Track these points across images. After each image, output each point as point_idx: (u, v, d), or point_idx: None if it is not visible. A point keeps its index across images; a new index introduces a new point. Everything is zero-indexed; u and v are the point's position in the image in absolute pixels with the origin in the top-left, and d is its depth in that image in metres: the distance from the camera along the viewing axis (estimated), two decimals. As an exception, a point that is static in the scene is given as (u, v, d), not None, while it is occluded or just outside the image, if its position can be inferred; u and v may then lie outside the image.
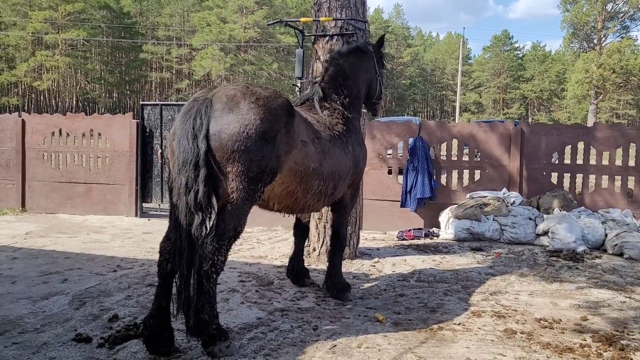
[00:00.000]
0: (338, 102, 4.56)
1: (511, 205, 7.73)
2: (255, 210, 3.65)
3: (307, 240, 5.55)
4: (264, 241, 7.45)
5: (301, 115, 3.91)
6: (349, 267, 5.89)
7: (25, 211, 10.03)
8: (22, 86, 56.54)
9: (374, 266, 6.02)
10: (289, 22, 6.12)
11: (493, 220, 7.56)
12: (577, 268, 6.03)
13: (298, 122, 3.70)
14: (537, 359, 3.41)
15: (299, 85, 6.09)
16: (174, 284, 3.29)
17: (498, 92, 75.00)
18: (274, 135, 3.36)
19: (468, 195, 8.10)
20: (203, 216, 3.14)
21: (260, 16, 53.08)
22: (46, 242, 7.18)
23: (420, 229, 8.02)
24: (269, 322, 4.01)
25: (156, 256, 3.42)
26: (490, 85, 75.13)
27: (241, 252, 6.62)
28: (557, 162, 8.28)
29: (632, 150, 7.84)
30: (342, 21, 5.90)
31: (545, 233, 7.22)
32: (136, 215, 9.61)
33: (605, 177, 8.01)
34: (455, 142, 8.49)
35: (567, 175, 8.11)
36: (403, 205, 8.16)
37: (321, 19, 5.93)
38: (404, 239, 7.69)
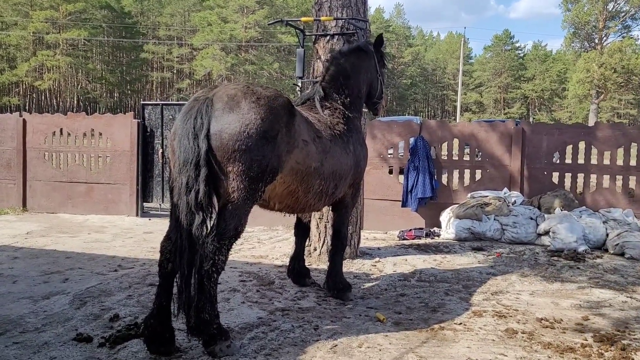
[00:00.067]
0: (339, 101, 4.56)
1: (512, 204, 7.72)
2: (256, 210, 3.65)
3: (308, 240, 5.53)
4: (265, 241, 7.45)
5: (302, 115, 3.91)
6: (350, 266, 5.89)
7: (26, 211, 10.04)
8: (23, 86, 56.58)
9: (375, 266, 6.02)
10: (290, 22, 6.12)
11: (494, 220, 7.55)
12: (578, 268, 6.02)
13: (299, 122, 3.70)
14: (539, 359, 3.41)
15: (299, 84, 6.09)
16: (175, 284, 3.29)
17: (499, 91, 74.96)
18: (275, 134, 3.36)
19: (469, 195, 8.09)
20: (204, 216, 3.15)
21: (261, 16, 53.07)
22: (47, 242, 7.19)
23: (421, 228, 8.01)
24: (269, 321, 4.01)
25: (157, 256, 3.42)
26: (492, 84, 75.09)
27: (242, 251, 6.62)
28: (558, 161, 8.27)
29: (634, 150, 7.83)
30: (343, 20, 5.89)
31: (547, 233, 7.21)
32: (137, 215, 9.61)
33: (606, 177, 7.99)
34: (456, 141, 8.49)
35: (568, 175, 8.10)
36: (404, 205, 8.15)
37: (322, 18, 5.93)
38: (405, 239, 7.68)
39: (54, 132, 10.05)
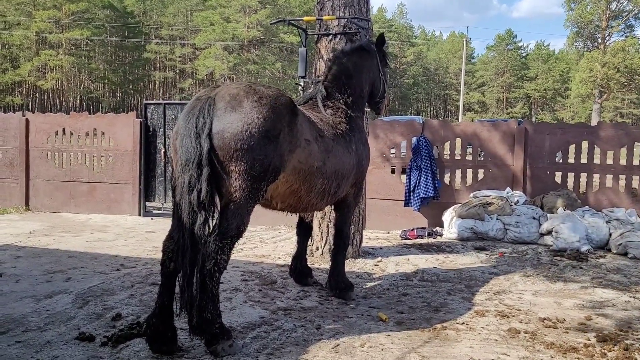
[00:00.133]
0: (341, 101, 4.56)
1: (515, 204, 7.71)
2: (258, 209, 3.65)
3: (310, 240, 5.54)
4: (267, 240, 7.45)
5: (304, 114, 3.90)
6: (352, 266, 5.88)
7: (29, 210, 10.06)
8: (26, 85, 56.71)
9: (377, 265, 6.01)
10: (292, 21, 6.11)
11: (497, 219, 7.54)
12: (581, 267, 6.01)
13: (301, 121, 3.69)
14: (541, 359, 3.40)
15: (302, 84, 6.08)
16: (177, 283, 3.29)
17: (502, 91, 74.85)
18: (277, 134, 3.36)
19: (471, 195, 8.08)
20: (206, 215, 3.14)
21: (264, 15, 53.10)
22: (50, 241, 7.20)
23: (424, 228, 8.00)
24: (272, 321, 4.01)
25: (159, 255, 3.43)
26: (494, 84, 74.97)
27: (244, 251, 6.63)
28: (561, 161, 8.24)
29: (637, 150, 7.83)
30: (346, 20, 5.88)
31: (549, 232, 7.20)
32: (139, 214, 9.62)
33: (609, 177, 7.97)
34: (458, 141, 8.47)
35: (571, 175, 8.08)
36: (406, 204, 8.14)
37: (324, 17, 5.92)
38: (407, 238, 7.67)
39: (57, 131, 10.07)
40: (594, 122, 32.22)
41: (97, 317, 4.06)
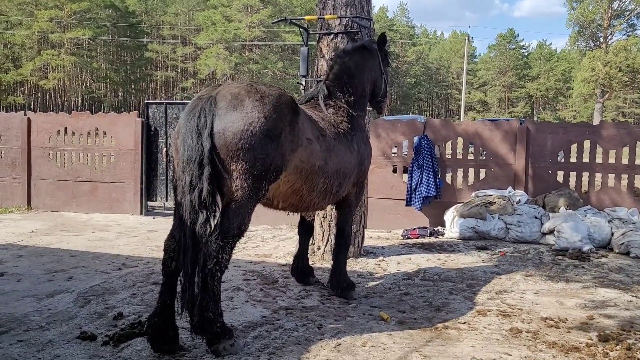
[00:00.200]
0: (343, 100, 4.55)
1: (517, 203, 7.69)
2: (259, 209, 3.65)
3: (311, 239, 5.54)
4: (269, 239, 7.45)
5: (306, 113, 3.90)
6: (354, 265, 5.88)
7: (31, 209, 10.08)
8: (28, 85, 56.83)
9: (379, 265, 6.01)
10: (294, 20, 6.10)
11: (498, 218, 7.53)
12: (583, 267, 6.00)
13: (303, 120, 3.69)
14: (543, 358, 3.39)
15: (303, 83, 6.07)
16: (179, 282, 3.29)
17: (503, 90, 74.78)
18: (279, 133, 3.35)
19: (473, 194, 8.07)
20: (207, 214, 3.14)
21: (265, 15, 53.13)
22: (51, 240, 7.21)
23: (425, 227, 7.99)
24: (273, 320, 4.00)
25: (161, 254, 3.42)
26: (496, 83, 74.91)
27: (245, 250, 6.63)
28: (563, 160, 8.23)
29: (639, 149, 7.79)
30: (347, 19, 5.88)
31: (551, 232, 7.18)
32: (141, 214, 9.63)
33: (611, 176, 7.96)
34: (460, 140, 8.46)
35: (573, 174, 8.07)
36: (408, 203, 8.14)
37: (326, 16, 5.92)
38: (408, 238, 7.67)
39: (59, 131, 10.08)
40: (596, 122, 32.21)
41: (99, 317, 4.06)
